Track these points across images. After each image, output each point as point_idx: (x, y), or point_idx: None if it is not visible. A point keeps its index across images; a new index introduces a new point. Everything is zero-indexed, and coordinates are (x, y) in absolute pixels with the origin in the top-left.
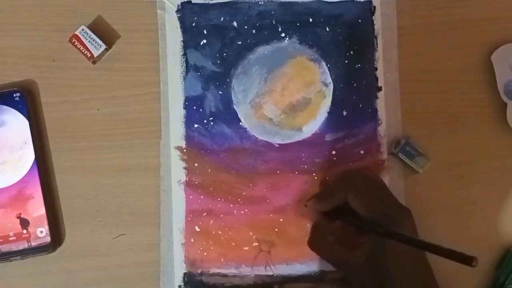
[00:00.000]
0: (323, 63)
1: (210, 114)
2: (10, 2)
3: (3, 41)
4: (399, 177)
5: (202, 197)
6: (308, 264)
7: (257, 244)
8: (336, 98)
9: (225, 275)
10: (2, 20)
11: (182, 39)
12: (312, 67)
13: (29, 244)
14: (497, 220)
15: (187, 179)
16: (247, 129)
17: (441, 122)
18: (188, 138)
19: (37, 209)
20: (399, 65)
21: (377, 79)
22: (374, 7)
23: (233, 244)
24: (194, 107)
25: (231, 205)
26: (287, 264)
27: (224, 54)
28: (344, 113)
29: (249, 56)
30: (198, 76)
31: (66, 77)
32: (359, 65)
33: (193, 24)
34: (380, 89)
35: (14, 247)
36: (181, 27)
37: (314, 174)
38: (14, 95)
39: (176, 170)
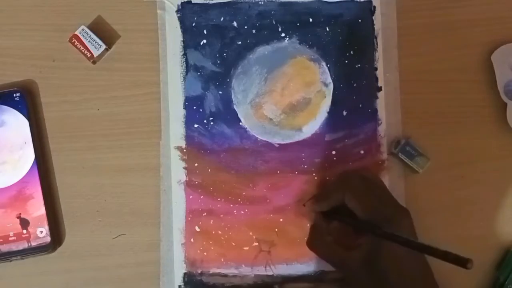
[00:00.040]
0: (323, 63)
1: (210, 114)
2: (10, 2)
3: (3, 41)
4: (399, 177)
5: (202, 197)
6: (308, 264)
7: (257, 244)
8: (336, 98)
9: (225, 275)
10: (2, 20)
11: (182, 39)
12: (312, 67)
13: (29, 244)
14: (497, 220)
15: (187, 179)
16: (247, 129)
17: (441, 122)
18: (188, 138)
19: (37, 209)
20: (399, 65)
21: (377, 79)
22: (374, 7)
23: (233, 244)
24: (194, 107)
25: (231, 205)
26: (287, 264)
27: (224, 54)
28: (344, 113)
29: (249, 56)
30: (198, 76)
31: (66, 77)
32: (359, 65)
33: (193, 24)
34: (380, 89)
35: (14, 247)
36: (181, 27)
37: (314, 174)
38: (14, 95)
39: (176, 170)
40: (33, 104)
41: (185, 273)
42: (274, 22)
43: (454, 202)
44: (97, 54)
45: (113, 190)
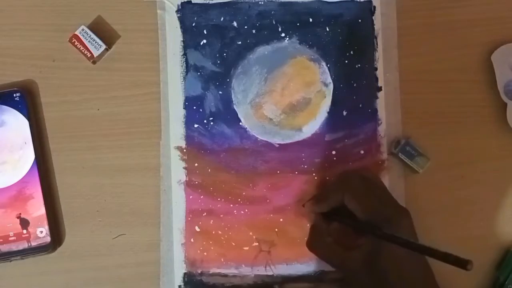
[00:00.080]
0: (323, 63)
1: (210, 114)
2: (10, 2)
3: (3, 41)
4: (399, 177)
5: (202, 197)
6: (308, 264)
7: (257, 244)
8: (336, 98)
9: (225, 275)
10: (2, 20)
11: (182, 39)
12: (312, 67)
13: (29, 244)
14: (497, 220)
15: (187, 179)
16: (247, 129)
17: (441, 122)
18: (188, 138)
19: (37, 209)
20: (399, 65)
21: (377, 79)
22: (374, 7)
23: (233, 244)
24: (194, 107)
25: (231, 205)
26: (287, 264)
27: (224, 54)
28: (344, 113)
29: (249, 56)
30: (198, 76)
31: (66, 77)
32: (359, 65)
33: (193, 24)
34: (380, 89)
35: (14, 247)
36: (181, 27)
37: (314, 174)
38: (14, 95)
39: (176, 170)
40: (33, 104)
41: (185, 273)
42: (274, 22)
43: (454, 202)
44: (97, 54)
45: (113, 190)
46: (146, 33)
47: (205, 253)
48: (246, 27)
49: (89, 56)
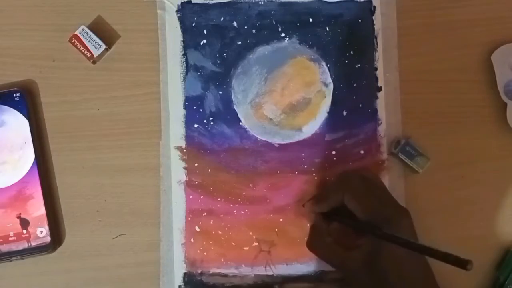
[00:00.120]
0: (323, 63)
1: (210, 114)
2: (10, 2)
3: (3, 41)
4: (399, 177)
5: (202, 197)
6: (308, 264)
7: (257, 244)
8: (336, 98)
9: (225, 275)
10: (2, 20)
11: (182, 39)
12: (312, 67)
13: (29, 244)
14: (497, 220)
15: (187, 179)
16: (247, 129)
17: (441, 122)
18: (188, 138)
19: (37, 209)
20: (399, 65)
21: (377, 79)
22: (374, 7)
23: (233, 244)
24: (194, 107)
25: (231, 205)
26: (287, 264)
27: (224, 54)
28: (344, 113)
29: (249, 56)
30: (198, 76)
31: (66, 77)
32: (359, 65)
33: (193, 24)
34: (380, 89)
35: (14, 247)
36: (181, 27)
37: (314, 174)
38: (14, 95)
39: (176, 170)
40: (33, 104)
41: (185, 273)
42: (274, 22)
43: (454, 202)
44: (97, 54)
45: (113, 190)
46: (146, 33)
47: (205, 253)
48: (246, 27)
49: (89, 56)
